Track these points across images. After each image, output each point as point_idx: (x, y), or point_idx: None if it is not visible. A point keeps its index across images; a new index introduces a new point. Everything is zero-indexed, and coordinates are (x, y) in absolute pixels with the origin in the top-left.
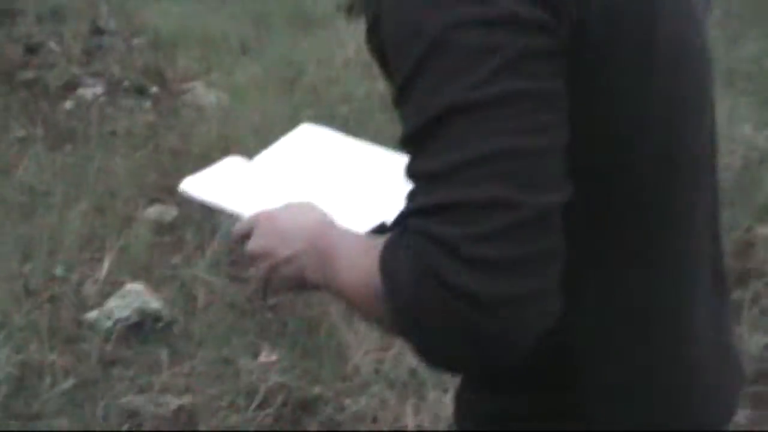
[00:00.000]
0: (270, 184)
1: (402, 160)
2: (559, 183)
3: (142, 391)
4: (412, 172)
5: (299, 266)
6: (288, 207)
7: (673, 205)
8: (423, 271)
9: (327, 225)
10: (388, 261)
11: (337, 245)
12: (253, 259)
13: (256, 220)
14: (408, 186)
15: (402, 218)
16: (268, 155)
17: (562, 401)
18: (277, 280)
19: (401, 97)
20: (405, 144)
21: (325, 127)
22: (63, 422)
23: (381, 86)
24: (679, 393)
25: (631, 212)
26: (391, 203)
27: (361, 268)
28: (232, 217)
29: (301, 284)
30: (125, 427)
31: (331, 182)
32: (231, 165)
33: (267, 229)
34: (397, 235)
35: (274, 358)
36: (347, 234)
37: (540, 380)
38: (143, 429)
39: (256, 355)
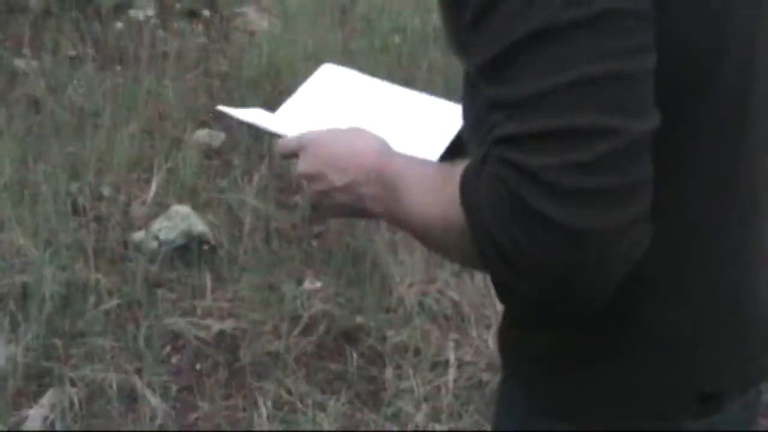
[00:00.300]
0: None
1: (426, 99)
2: (651, 108)
3: (185, 313)
4: (494, 100)
5: (358, 195)
6: (338, 132)
7: (742, 148)
8: (514, 204)
9: (388, 152)
10: (471, 193)
11: (404, 174)
12: (304, 180)
13: (304, 140)
14: (488, 113)
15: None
16: (293, 103)
17: (613, 340)
18: (329, 206)
19: (478, 20)
20: (484, 70)
21: (347, 68)
22: (106, 341)
23: (435, 17)
24: (736, 338)
25: (705, 144)
26: (423, 143)
27: (436, 199)
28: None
29: (359, 213)
30: (167, 349)
31: (362, 125)
32: (258, 113)
33: (319, 152)
34: (478, 164)
35: (318, 285)
36: (413, 161)
37: (593, 318)
38: (185, 351)
39: (300, 282)
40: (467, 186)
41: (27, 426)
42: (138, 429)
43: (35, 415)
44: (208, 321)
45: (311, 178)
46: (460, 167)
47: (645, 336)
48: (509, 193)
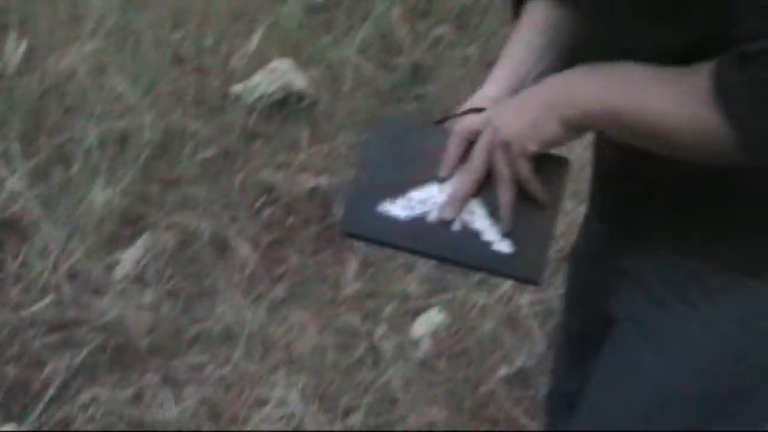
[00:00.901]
0: None
1: None
2: None
3: (279, 167)
4: None
5: (564, 93)
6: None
7: None
8: None
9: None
10: (733, 96)
11: (621, 66)
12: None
13: (487, 115)
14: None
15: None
16: None
17: None
18: (530, 137)
19: None
20: None
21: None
22: (201, 189)
23: None
24: None
25: None
26: None
27: (675, 97)
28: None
29: (565, 111)
30: (260, 201)
31: None
32: None
33: (509, 108)
34: (732, 62)
35: None
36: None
37: None
38: (278, 204)
39: None
40: (725, 90)
41: (120, 268)
42: (228, 277)
43: (128, 257)
44: (303, 176)
45: (516, 134)
46: (685, 70)
47: None
48: None
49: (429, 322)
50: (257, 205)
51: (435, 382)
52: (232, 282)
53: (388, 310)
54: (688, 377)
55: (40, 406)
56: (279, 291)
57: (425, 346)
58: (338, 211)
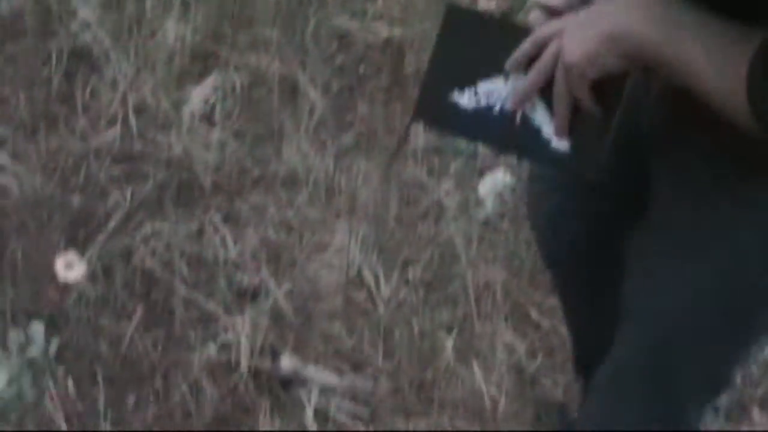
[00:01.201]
0: None
1: None
2: None
3: (355, 15)
4: None
5: (626, 30)
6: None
7: None
8: None
9: None
10: (760, 85)
11: (685, 14)
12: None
13: (560, 25)
14: None
15: None
16: None
17: None
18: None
19: None
20: None
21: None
22: (274, 32)
23: None
24: None
25: None
26: None
27: (719, 63)
28: None
29: (624, 47)
30: (333, 48)
31: None
32: None
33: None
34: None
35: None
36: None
37: None
38: (351, 52)
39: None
40: (755, 85)
41: (188, 105)
42: (296, 121)
43: (197, 95)
44: (378, 25)
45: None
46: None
47: None
48: None
49: (495, 182)
50: (330, 51)
51: (496, 242)
52: (299, 126)
53: (455, 166)
54: (716, 280)
55: (102, 236)
56: (346, 139)
57: (489, 206)
58: (410, 64)
